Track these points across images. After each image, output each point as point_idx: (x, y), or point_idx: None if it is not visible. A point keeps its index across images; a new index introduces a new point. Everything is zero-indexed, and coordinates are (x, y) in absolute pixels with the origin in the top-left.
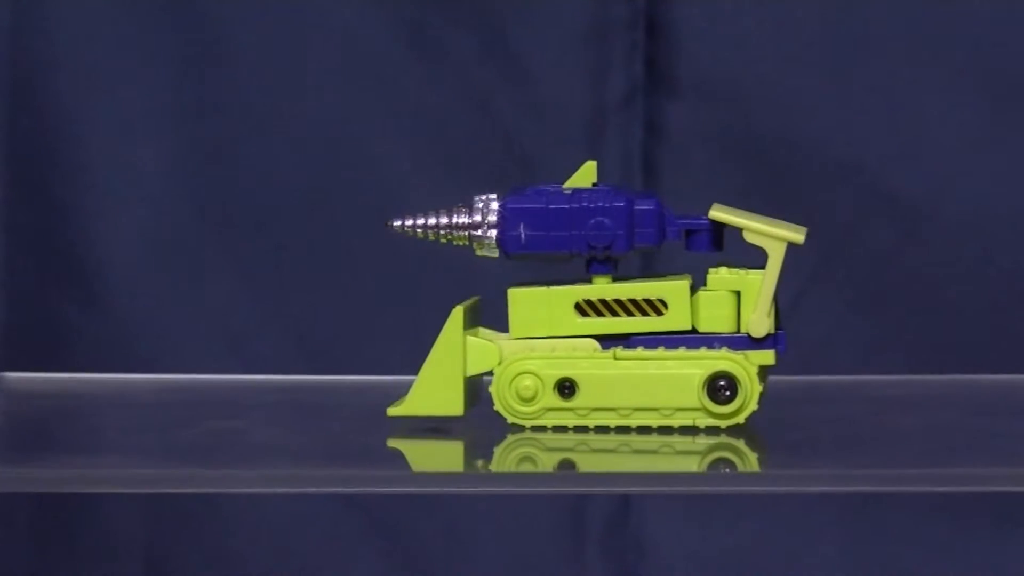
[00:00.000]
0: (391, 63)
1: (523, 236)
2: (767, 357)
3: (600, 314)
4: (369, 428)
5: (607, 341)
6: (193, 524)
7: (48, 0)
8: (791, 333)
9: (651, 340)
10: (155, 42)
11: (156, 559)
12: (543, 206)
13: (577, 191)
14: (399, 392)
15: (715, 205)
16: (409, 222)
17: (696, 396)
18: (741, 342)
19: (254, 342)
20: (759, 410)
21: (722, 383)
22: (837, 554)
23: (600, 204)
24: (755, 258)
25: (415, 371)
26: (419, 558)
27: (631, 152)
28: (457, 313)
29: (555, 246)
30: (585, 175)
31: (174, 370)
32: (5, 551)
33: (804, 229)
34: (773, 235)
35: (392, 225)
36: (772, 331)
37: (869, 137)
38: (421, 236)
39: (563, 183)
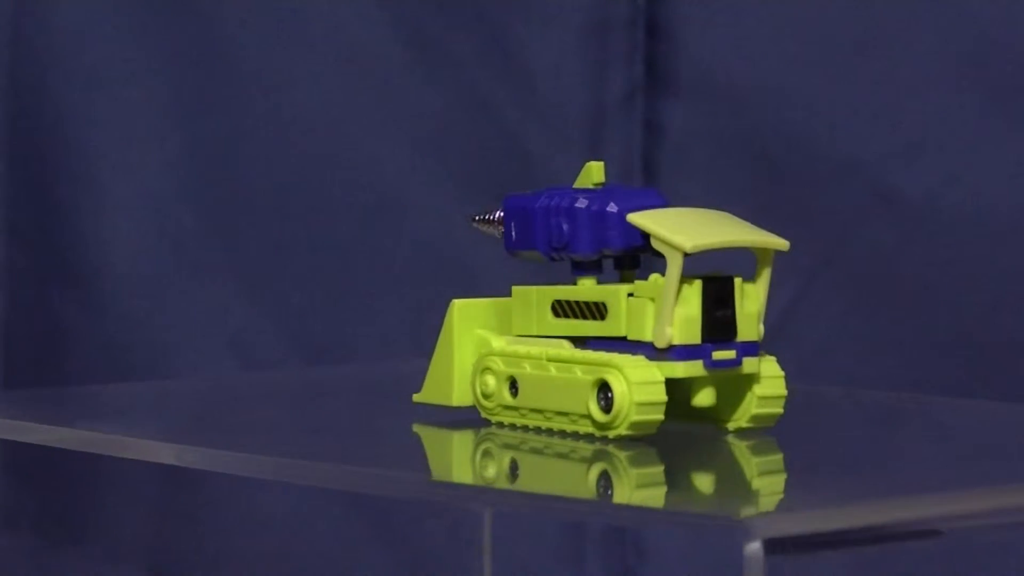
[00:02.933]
0: (391, 63)
1: (514, 235)
2: (676, 369)
3: (568, 316)
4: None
5: (577, 342)
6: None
7: (48, 0)
8: (791, 333)
9: (602, 344)
10: (155, 42)
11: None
12: (527, 206)
13: (557, 192)
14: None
15: (636, 213)
16: (478, 216)
17: (586, 403)
18: (664, 351)
19: (253, 342)
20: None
21: (603, 392)
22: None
23: (562, 206)
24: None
25: (415, 371)
26: (419, 558)
27: (631, 152)
28: (452, 307)
29: (532, 246)
30: (588, 175)
31: (174, 370)
32: (5, 552)
33: (699, 235)
34: (669, 242)
35: (474, 219)
36: (696, 341)
37: (869, 137)
38: (488, 233)
39: (566, 182)
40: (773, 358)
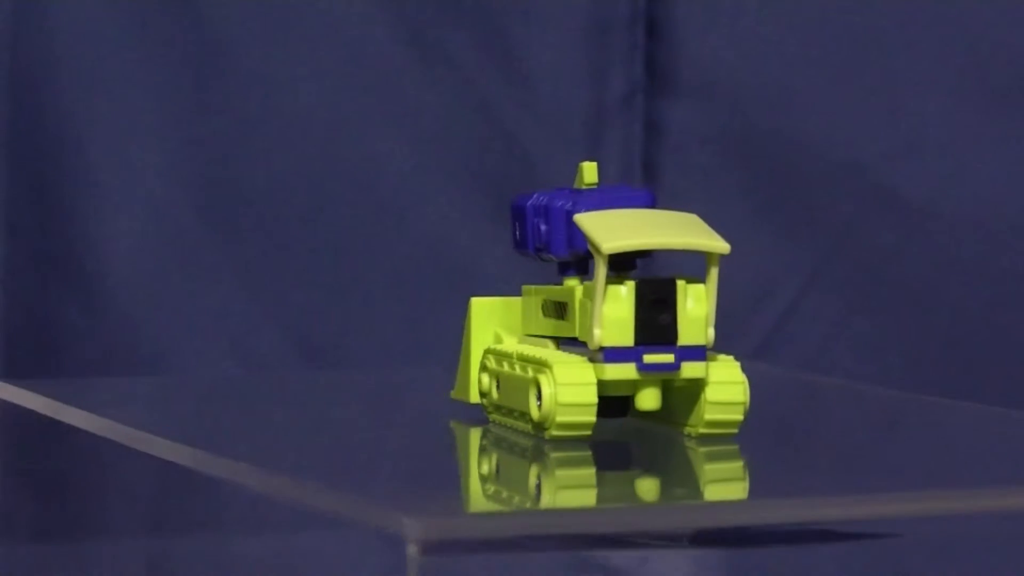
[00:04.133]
0: (391, 63)
1: (517, 235)
2: (606, 371)
3: (551, 316)
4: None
5: (560, 342)
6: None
7: (48, 0)
8: (791, 333)
9: (569, 344)
10: (155, 42)
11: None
12: (522, 206)
13: (549, 193)
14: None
15: (582, 214)
16: None
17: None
18: (597, 352)
19: (254, 342)
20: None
21: (538, 392)
22: (835, 552)
23: (542, 206)
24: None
25: (414, 370)
26: None
27: (631, 152)
28: (470, 305)
29: (525, 246)
30: (581, 176)
31: (174, 370)
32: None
33: (623, 236)
34: (592, 243)
35: None
36: (628, 343)
37: (869, 137)
38: None
39: (567, 182)
40: (736, 364)
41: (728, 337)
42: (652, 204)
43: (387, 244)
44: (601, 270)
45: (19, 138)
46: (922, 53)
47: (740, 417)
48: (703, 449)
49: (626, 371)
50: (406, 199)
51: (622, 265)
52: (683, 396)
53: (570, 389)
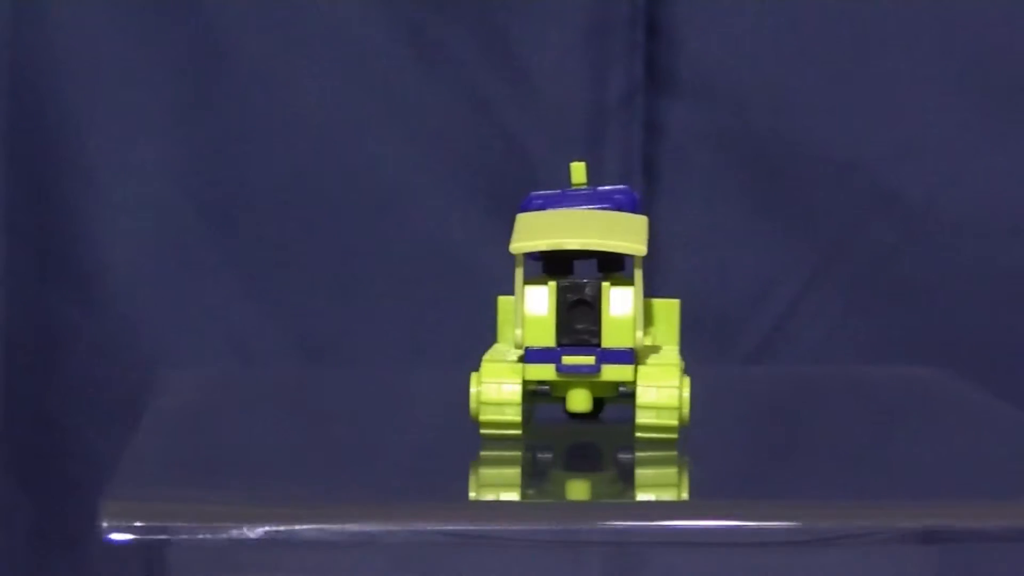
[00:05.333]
0: (391, 63)
1: None
2: (529, 371)
3: None
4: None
5: None
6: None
7: (48, 0)
8: (791, 333)
9: None
10: (155, 42)
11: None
12: (522, 207)
13: (544, 195)
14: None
15: (525, 213)
16: None
17: None
18: (523, 352)
19: (254, 342)
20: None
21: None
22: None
23: (525, 207)
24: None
25: (414, 370)
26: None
27: (631, 152)
28: (498, 304)
29: None
30: (570, 176)
31: (174, 370)
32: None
33: (533, 237)
34: (511, 244)
35: None
36: (550, 344)
37: (869, 137)
38: None
39: (566, 183)
40: (675, 368)
41: (728, 337)
42: (632, 206)
43: (387, 244)
44: (518, 271)
45: (19, 138)
46: (922, 53)
47: (674, 422)
48: (640, 453)
49: (546, 372)
50: (406, 199)
51: (608, 266)
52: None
53: (494, 387)
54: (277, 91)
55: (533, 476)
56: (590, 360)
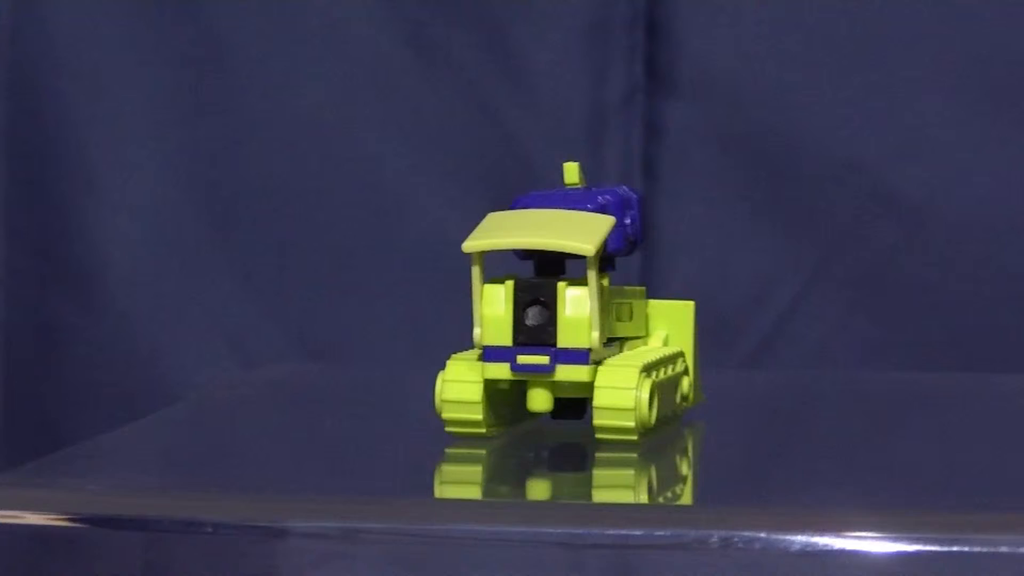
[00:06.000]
0: (391, 63)
1: None
2: (487, 370)
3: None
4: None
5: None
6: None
7: (48, 0)
8: (791, 333)
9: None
10: (155, 42)
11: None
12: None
13: (524, 197)
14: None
15: (493, 212)
16: None
17: None
18: (482, 351)
19: (254, 342)
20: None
21: None
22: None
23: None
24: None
25: (414, 370)
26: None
27: (631, 152)
28: None
29: None
30: (566, 176)
31: (174, 369)
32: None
33: (486, 237)
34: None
35: None
36: (506, 343)
37: (869, 137)
38: None
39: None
40: (634, 369)
41: (728, 337)
42: (619, 207)
43: (387, 244)
44: (474, 269)
45: (19, 138)
46: (922, 53)
47: (631, 423)
48: (600, 453)
49: (502, 371)
50: (406, 199)
51: (550, 268)
52: (580, 400)
53: (454, 386)
54: (277, 91)
55: (491, 476)
56: (544, 360)
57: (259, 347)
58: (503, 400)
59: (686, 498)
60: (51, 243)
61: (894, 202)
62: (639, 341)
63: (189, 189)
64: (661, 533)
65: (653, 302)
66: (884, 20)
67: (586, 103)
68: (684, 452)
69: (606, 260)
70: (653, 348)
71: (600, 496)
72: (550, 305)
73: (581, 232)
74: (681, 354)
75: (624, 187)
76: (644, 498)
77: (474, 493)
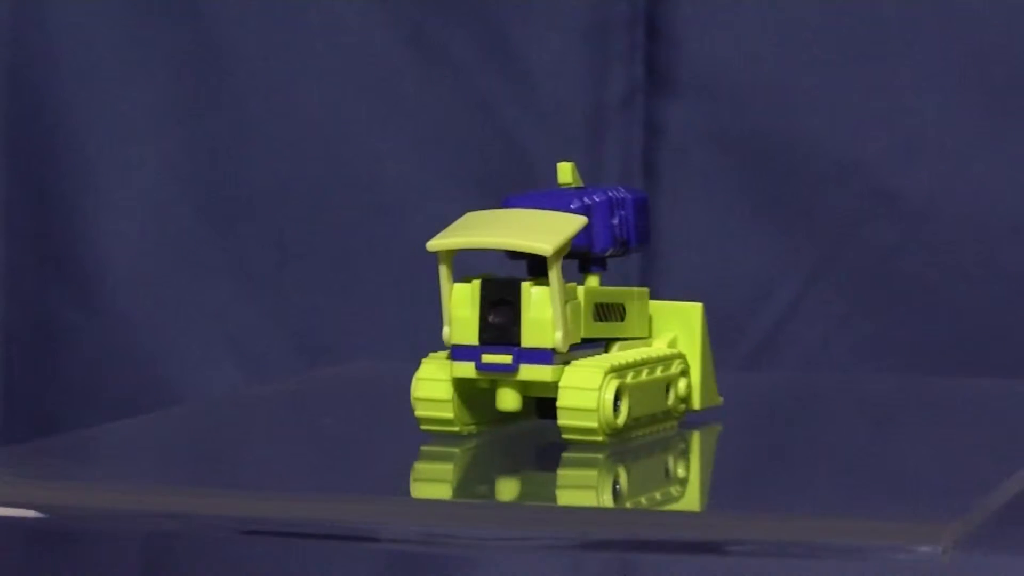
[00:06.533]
0: (391, 63)
1: None
2: (455, 369)
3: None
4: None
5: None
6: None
7: (48, 0)
8: (791, 333)
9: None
10: (155, 42)
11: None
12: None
13: (512, 197)
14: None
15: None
16: None
17: None
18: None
19: (254, 342)
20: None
21: None
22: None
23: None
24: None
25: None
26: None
27: (631, 152)
28: None
29: None
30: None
31: (174, 369)
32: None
33: (451, 236)
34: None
35: None
36: (473, 342)
37: (869, 137)
38: None
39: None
40: (598, 370)
41: (728, 337)
42: (605, 209)
43: (387, 244)
44: (441, 268)
45: (19, 138)
46: (922, 53)
47: (594, 424)
48: (567, 454)
49: (468, 370)
50: (406, 199)
51: (541, 269)
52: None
53: (426, 384)
54: (277, 91)
55: (462, 475)
56: (507, 359)
57: (259, 347)
58: (485, 399)
59: (643, 501)
60: (51, 243)
61: (894, 202)
62: (638, 342)
63: (189, 189)
64: (595, 536)
65: (659, 303)
66: (884, 20)
67: (586, 103)
68: (663, 453)
69: (596, 260)
70: (640, 349)
71: (562, 497)
72: (514, 305)
73: (544, 232)
74: (679, 356)
75: (620, 188)
76: (587, 500)
77: (426, 492)
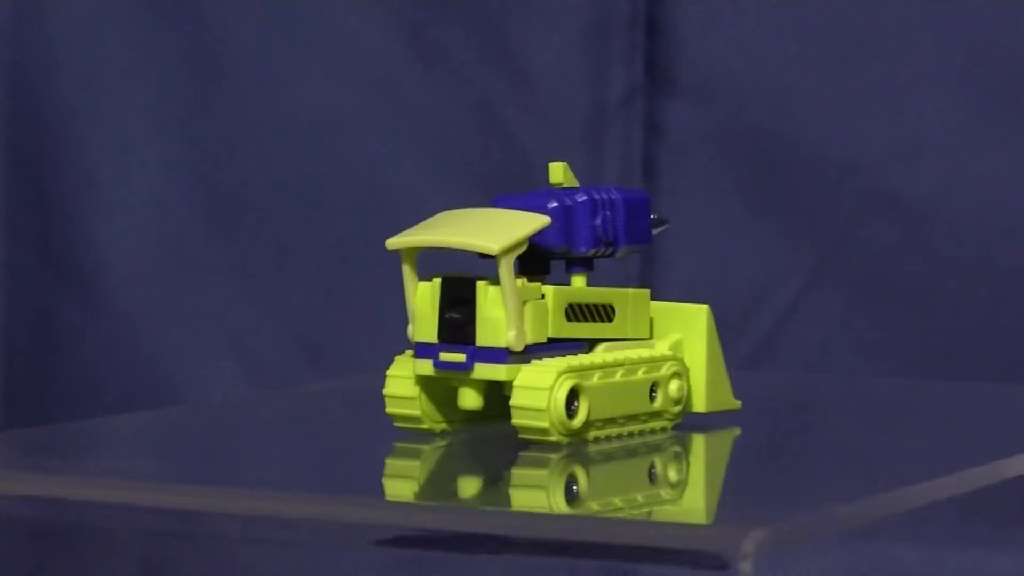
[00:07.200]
0: (391, 63)
1: None
2: (417, 366)
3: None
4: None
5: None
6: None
7: (48, 0)
8: (791, 333)
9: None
10: (155, 42)
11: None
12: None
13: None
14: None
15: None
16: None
17: None
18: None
19: (254, 342)
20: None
21: None
22: (835, 557)
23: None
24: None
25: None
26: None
27: (631, 152)
28: None
29: None
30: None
31: (173, 369)
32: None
33: (411, 235)
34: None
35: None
36: (432, 340)
37: (869, 137)
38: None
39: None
40: (550, 370)
41: (728, 337)
42: (588, 209)
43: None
44: (404, 266)
45: (19, 138)
46: (922, 53)
47: (545, 424)
48: (525, 453)
49: (427, 367)
50: (406, 199)
51: (533, 268)
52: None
53: (394, 381)
54: (277, 91)
55: (428, 475)
56: (461, 357)
57: (259, 347)
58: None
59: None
60: (51, 243)
61: (894, 202)
62: (634, 343)
63: (189, 189)
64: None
65: (664, 305)
66: (884, 20)
67: (586, 103)
68: (626, 456)
69: (580, 261)
70: (625, 351)
71: (515, 498)
72: (469, 303)
73: (496, 231)
74: (673, 358)
75: (613, 189)
76: (500, 502)
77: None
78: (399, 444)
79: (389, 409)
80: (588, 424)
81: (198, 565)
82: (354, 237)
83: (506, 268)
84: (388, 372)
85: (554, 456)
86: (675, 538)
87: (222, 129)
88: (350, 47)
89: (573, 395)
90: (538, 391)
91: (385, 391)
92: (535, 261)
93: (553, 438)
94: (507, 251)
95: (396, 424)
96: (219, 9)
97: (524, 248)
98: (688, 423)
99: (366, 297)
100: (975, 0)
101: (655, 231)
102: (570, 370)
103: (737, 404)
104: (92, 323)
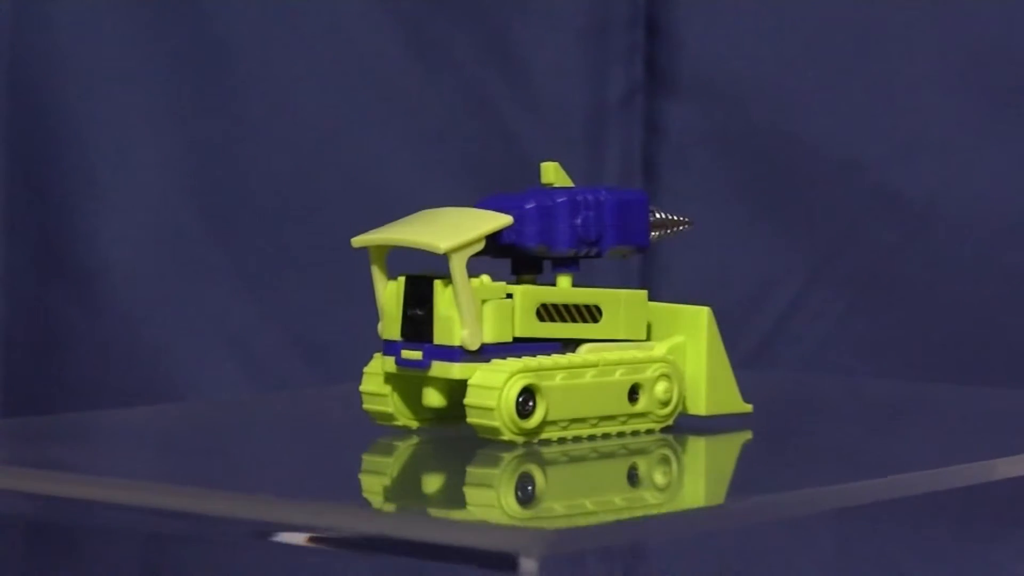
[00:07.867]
0: (391, 63)
1: None
2: (384, 364)
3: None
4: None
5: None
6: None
7: (48, 0)
8: (791, 333)
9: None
10: (155, 42)
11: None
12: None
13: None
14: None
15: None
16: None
17: None
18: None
19: (254, 342)
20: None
21: None
22: (834, 557)
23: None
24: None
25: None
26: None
27: (631, 152)
28: None
29: None
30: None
31: (173, 369)
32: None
33: (377, 234)
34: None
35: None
36: (396, 338)
37: (869, 137)
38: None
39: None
40: (503, 371)
41: (728, 337)
42: (568, 209)
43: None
44: (372, 265)
45: (19, 138)
46: (922, 53)
47: (495, 423)
48: (481, 450)
49: (390, 365)
50: (406, 199)
51: (526, 267)
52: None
53: (369, 378)
54: (277, 91)
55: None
56: (418, 355)
57: (259, 347)
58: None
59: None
60: (51, 243)
61: (894, 202)
62: (626, 344)
63: (189, 189)
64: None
65: (665, 306)
66: (884, 20)
67: (586, 103)
68: (581, 458)
69: (562, 261)
70: (600, 352)
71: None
72: (424, 302)
73: (452, 231)
74: (661, 359)
75: (602, 189)
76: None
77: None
78: (379, 441)
79: (364, 405)
80: (547, 424)
81: (193, 563)
82: (354, 237)
83: (458, 266)
84: (365, 369)
85: (506, 456)
86: (464, 537)
87: (222, 129)
88: (350, 47)
89: (529, 395)
90: (489, 390)
91: (361, 387)
92: (525, 261)
93: (506, 437)
94: (456, 250)
95: (377, 421)
96: (219, 9)
97: (479, 247)
98: (688, 425)
99: (366, 297)
100: (975, 0)
101: (667, 232)
102: (526, 370)
103: (747, 408)
104: (92, 322)
